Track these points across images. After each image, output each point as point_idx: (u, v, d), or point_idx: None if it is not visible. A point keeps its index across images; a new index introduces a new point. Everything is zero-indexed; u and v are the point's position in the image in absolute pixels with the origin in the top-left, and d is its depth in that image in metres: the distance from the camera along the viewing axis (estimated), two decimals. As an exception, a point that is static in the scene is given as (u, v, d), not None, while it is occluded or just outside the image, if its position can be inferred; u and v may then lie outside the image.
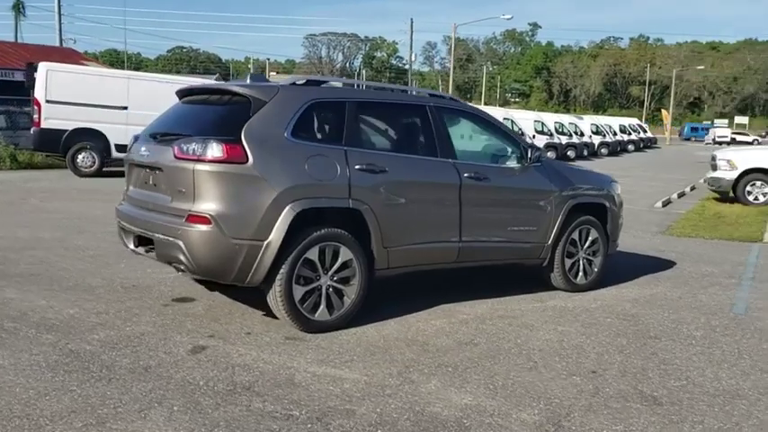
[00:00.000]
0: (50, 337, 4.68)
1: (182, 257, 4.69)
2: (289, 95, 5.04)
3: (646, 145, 51.49)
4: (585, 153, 36.86)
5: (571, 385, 4.17)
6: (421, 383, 4.11)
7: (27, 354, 4.34)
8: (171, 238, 4.74)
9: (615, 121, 47.66)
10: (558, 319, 5.61)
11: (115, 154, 15.51)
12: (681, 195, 18.58)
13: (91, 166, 15.45)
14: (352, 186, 5.03)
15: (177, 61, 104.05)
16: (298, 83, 5.26)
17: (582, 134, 38.05)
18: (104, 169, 15.88)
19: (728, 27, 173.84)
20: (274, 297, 4.83)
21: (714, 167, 16.50)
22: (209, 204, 4.62)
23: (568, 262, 6.51)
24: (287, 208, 4.73)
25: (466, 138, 5.80)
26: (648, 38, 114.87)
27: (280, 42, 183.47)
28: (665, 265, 8.19)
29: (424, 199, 5.48)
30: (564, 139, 35.27)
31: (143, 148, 5.18)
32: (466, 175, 5.69)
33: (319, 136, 5.12)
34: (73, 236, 8.42)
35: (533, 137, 30.69)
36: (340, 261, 5.03)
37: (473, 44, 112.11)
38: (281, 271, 4.77)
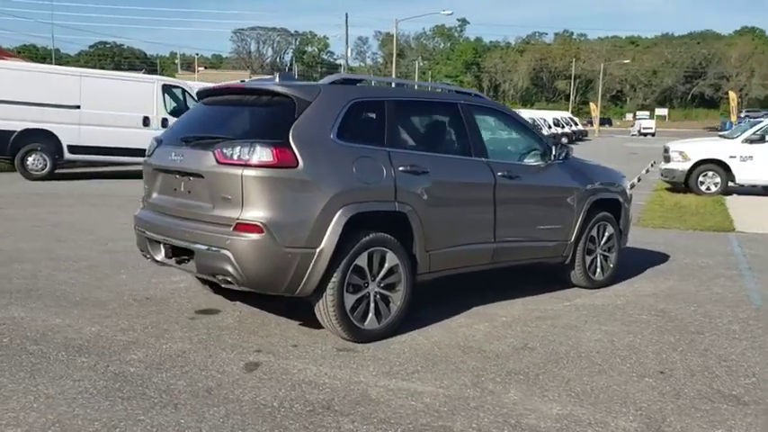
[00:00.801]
0: (85, 359, 4.30)
1: (229, 269, 4.39)
2: (331, 95, 4.79)
3: (578, 138, 52.79)
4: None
5: (648, 388, 4.11)
6: (500, 393, 3.97)
7: (69, 380, 3.97)
8: (216, 249, 4.42)
9: (549, 115, 48.71)
10: (595, 318, 5.56)
11: (68, 155, 14.69)
12: (632, 186, 19.03)
13: (42, 169, 14.58)
14: (397, 189, 4.83)
15: (100, 57, 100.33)
16: (335, 81, 5.01)
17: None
18: (56, 171, 15.03)
19: (646, 22, 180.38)
20: (325, 307, 4.59)
21: (667, 159, 16.98)
22: (259, 212, 4.34)
23: (588, 259, 6.49)
24: (338, 213, 4.49)
25: (494, 135, 5.68)
26: (572, 33, 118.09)
27: (207, 37, 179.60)
28: (660, 257, 8.30)
29: (462, 200, 5.34)
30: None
31: (172, 153, 4.82)
32: (499, 173, 5.57)
33: (362, 137, 4.89)
34: (54, 245, 7.87)
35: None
36: (387, 267, 4.83)
37: (404, 39, 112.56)
38: (333, 279, 4.54)
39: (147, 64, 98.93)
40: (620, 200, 6.85)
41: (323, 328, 4.92)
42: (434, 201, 5.07)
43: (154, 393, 3.81)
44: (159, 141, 5.14)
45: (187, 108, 15.54)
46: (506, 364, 4.45)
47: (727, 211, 13.13)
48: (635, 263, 7.81)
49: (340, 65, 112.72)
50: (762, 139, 16.09)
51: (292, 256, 4.37)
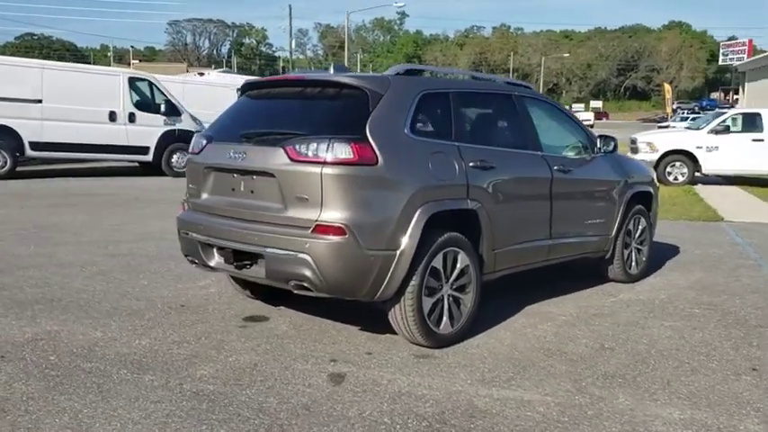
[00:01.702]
0: (152, 377, 3.92)
1: (308, 274, 4.07)
2: (402, 87, 4.52)
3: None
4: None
5: (752, 386, 4.00)
6: (610, 399, 3.79)
7: (147, 402, 3.59)
8: (293, 253, 4.09)
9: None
10: (651, 314, 5.46)
11: (29, 153, 13.81)
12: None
13: (2, 167, 13.66)
14: (469, 186, 4.60)
15: (27, 49, 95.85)
16: (400, 72, 4.72)
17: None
18: (18, 169, 14.12)
19: (580, 17, 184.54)
20: (402, 312, 4.32)
21: (635, 150, 17.24)
22: (341, 213, 4.03)
23: (625, 253, 6.41)
24: (418, 212, 4.24)
25: (543, 128, 5.51)
26: (510, 27, 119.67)
27: (141, 29, 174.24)
28: (672, 249, 8.30)
29: (525, 195, 5.15)
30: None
31: (230, 151, 4.44)
32: (555, 168, 5.41)
33: (433, 131, 4.63)
34: (52, 249, 7.31)
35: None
36: (459, 268, 4.60)
37: (344, 31, 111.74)
38: (413, 283, 4.28)
39: (77, 56, 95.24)
40: (652, 192, 6.80)
41: (386, 333, 4.68)
42: (501, 197, 4.86)
43: (249, 414, 3.48)
44: (208, 138, 4.74)
45: (155, 102, 14.91)
46: (596, 366, 4.29)
47: (705, 201, 13.39)
48: (652, 255, 7.79)
49: (279, 57, 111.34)
50: (726, 130, 16.54)
51: (374, 259, 4.09)
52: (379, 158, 4.10)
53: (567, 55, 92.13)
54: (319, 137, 4.10)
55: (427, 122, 4.60)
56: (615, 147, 6.09)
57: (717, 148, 16.29)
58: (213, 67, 74.40)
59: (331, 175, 4.01)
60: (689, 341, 4.81)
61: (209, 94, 18.13)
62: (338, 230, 4.01)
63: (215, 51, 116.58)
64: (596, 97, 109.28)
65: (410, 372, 4.11)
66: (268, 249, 4.20)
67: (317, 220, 4.05)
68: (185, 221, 4.80)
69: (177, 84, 17.18)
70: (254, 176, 4.35)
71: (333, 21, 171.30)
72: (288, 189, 4.15)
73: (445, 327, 4.53)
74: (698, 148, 16.46)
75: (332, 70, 4.89)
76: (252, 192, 4.39)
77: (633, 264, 6.54)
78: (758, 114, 16.72)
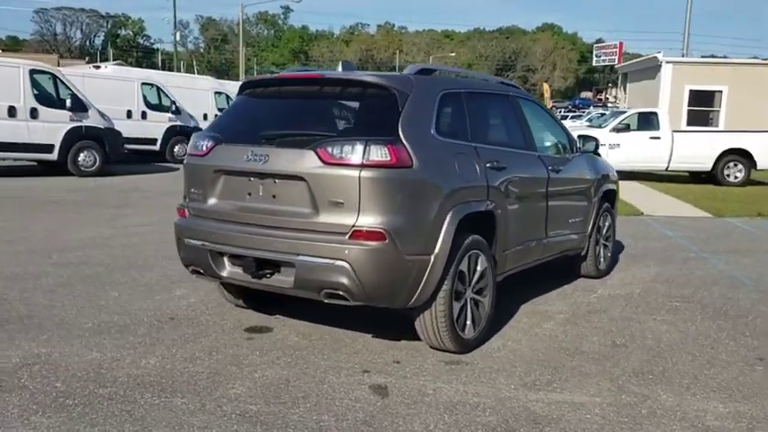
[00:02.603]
0: (184, 400, 3.60)
1: (345, 282, 3.87)
2: (424, 86, 4.39)
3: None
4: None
5: (769, 376, 4.21)
6: (654, 397, 3.85)
7: (194, 428, 3.29)
8: (329, 260, 3.88)
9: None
10: (638, 309, 5.63)
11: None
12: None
13: None
14: (489, 187, 4.56)
15: None
16: (418, 72, 4.58)
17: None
18: None
19: (460, 17, 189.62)
20: (433, 317, 4.21)
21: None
22: (380, 217, 3.86)
23: (597, 249, 6.59)
24: (450, 215, 4.15)
25: (535, 128, 5.55)
26: (394, 25, 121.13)
27: (2, 16, 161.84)
28: (617, 243, 8.59)
29: (528, 195, 5.17)
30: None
31: (248, 153, 4.15)
32: (549, 167, 5.47)
33: (453, 132, 4.54)
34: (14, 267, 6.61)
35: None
36: (479, 271, 4.55)
37: (227, 25, 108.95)
38: (444, 287, 4.18)
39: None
40: (616, 189, 7.04)
41: (401, 339, 4.60)
42: (512, 198, 4.86)
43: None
44: (215, 139, 4.39)
45: (59, 97, 13.89)
46: (621, 364, 4.36)
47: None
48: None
49: (157, 49, 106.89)
50: (627, 128, 17.48)
51: (412, 265, 3.96)
52: (414, 160, 3.97)
53: (453, 54, 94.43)
54: (354, 138, 3.91)
55: (448, 123, 4.51)
56: (597, 146, 6.24)
57: (618, 145, 17.15)
58: (87, 59, 70.27)
59: (369, 179, 3.84)
60: (688, 334, 5.00)
61: (111, 88, 17.11)
62: (378, 236, 3.84)
63: (87, 42, 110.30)
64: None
65: (449, 379, 4.01)
66: (300, 257, 3.96)
67: (354, 226, 3.86)
68: (189, 228, 4.45)
69: (77, 77, 16.00)
70: (277, 180, 4.09)
71: (215, 13, 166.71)
72: (320, 193, 3.93)
73: (469, 331, 4.47)
74: (601, 145, 17.26)
75: (339, 68, 4.69)
76: (274, 196, 4.13)
77: (602, 259, 6.75)
78: (654, 114, 17.78)
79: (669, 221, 10.83)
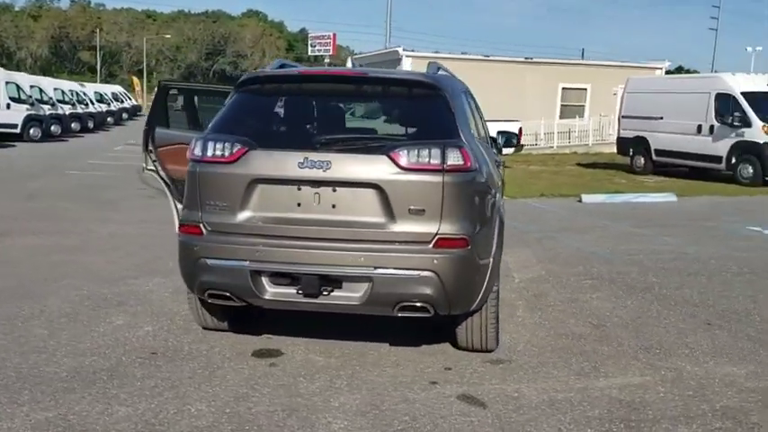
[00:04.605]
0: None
1: (430, 292, 3.69)
2: (453, 86, 4.32)
3: (135, 113, 50.45)
4: (91, 125, 33.47)
5: (729, 336, 4.93)
6: (682, 369, 4.29)
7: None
8: (413, 272, 3.66)
9: (108, 89, 45.68)
10: (564, 289, 6.12)
11: None
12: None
13: None
14: (503, 184, 4.65)
15: None
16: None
17: (88, 103, 34.78)
18: None
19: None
20: (483, 320, 4.20)
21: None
22: (461, 223, 3.74)
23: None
24: (498, 216, 4.17)
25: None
26: (90, 2, 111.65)
27: None
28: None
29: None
30: (67, 109, 31.00)
31: (301, 159, 3.67)
32: (496, 162, 5.69)
33: (473, 130, 4.51)
34: None
35: (8, 105, 23.99)
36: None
37: None
38: (495, 288, 4.19)
39: None
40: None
41: (420, 344, 4.54)
42: (500, 195, 4.99)
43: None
44: (248, 144, 3.78)
45: None
46: (619, 342, 4.75)
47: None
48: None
49: None
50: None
51: (483, 268, 3.93)
52: (474, 163, 3.91)
53: (169, 35, 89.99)
54: (430, 142, 3.72)
55: (469, 122, 4.48)
56: (518, 142, 6.57)
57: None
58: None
59: (451, 184, 3.70)
60: (632, 309, 5.61)
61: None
62: (462, 242, 3.73)
63: None
64: (187, 80, 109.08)
65: (518, 380, 4.06)
66: (378, 270, 3.67)
67: (437, 234, 3.69)
68: (215, 247, 3.82)
69: None
70: (338, 188, 3.72)
71: None
72: (399, 201, 3.67)
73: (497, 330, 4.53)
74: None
75: (349, 63, 4.38)
76: (333, 206, 3.74)
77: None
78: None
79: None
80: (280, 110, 4.20)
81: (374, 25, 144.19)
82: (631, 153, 18.92)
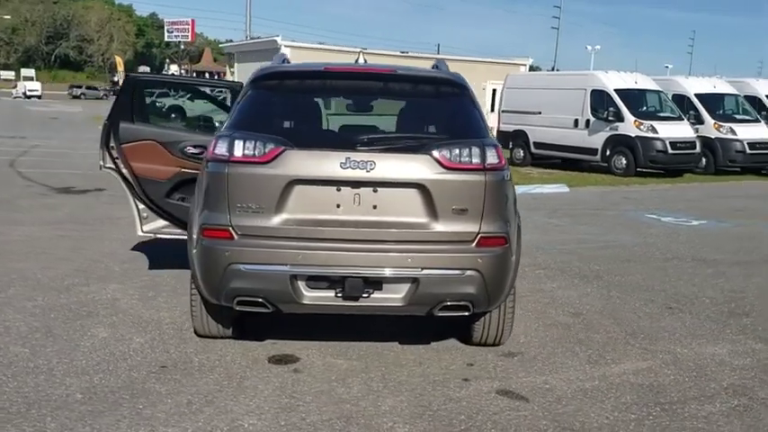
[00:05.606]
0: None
1: (473, 291, 3.72)
2: (467, 84, 4.32)
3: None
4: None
5: (697, 319, 5.34)
6: (681, 352, 4.59)
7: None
8: (458, 271, 3.67)
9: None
10: (540, 280, 6.38)
11: None
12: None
13: None
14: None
15: None
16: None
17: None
18: None
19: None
20: (502, 314, 4.26)
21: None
22: (500, 221, 3.81)
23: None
24: (517, 212, 4.26)
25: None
26: None
27: None
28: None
29: None
30: None
31: (342, 160, 3.55)
32: None
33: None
34: None
35: None
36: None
37: None
38: (514, 284, 4.28)
39: None
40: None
41: (431, 342, 4.56)
42: None
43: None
44: (281, 143, 3.59)
45: None
46: (613, 330, 4.98)
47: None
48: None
49: None
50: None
51: (515, 265, 4.00)
52: (506, 161, 3.97)
53: (9, 17, 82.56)
54: (469, 141, 3.74)
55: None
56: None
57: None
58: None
59: (492, 182, 3.74)
60: (596, 296, 5.92)
61: None
62: (501, 240, 3.79)
63: None
64: (26, 65, 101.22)
65: (539, 371, 4.18)
66: (425, 271, 3.63)
67: (479, 232, 3.72)
68: (249, 252, 3.61)
69: None
70: (379, 189, 3.64)
71: None
72: (442, 201, 3.66)
73: (499, 323, 4.63)
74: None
75: (361, 59, 4.29)
76: (375, 207, 3.66)
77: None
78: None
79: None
80: (306, 107, 4.03)
81: (228, 12, 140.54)
82: (511, 146, 19.78)
